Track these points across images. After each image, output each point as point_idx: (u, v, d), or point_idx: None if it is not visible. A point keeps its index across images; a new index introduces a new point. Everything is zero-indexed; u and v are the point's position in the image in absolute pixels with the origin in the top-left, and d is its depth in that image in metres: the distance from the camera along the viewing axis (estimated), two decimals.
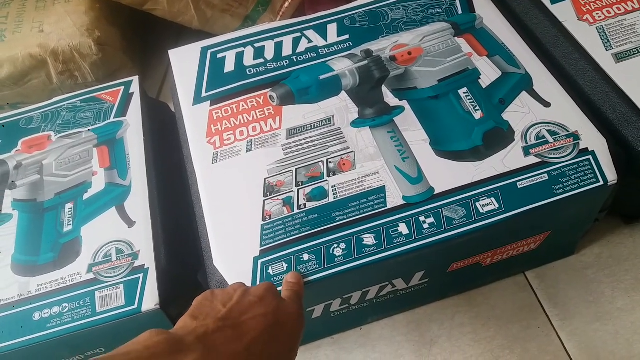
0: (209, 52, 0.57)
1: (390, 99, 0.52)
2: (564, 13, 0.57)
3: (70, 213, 0.50)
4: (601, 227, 0.55)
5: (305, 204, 0.46)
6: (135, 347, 0.27)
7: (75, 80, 0.66)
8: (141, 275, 0.45)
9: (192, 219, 0.48)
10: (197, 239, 0.47)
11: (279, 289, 0.40)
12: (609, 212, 0.53)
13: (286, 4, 0.67)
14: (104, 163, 0.53)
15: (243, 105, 0.53)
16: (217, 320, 0.31)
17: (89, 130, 0.55)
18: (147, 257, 0.46)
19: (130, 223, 0.48)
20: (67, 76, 0.65)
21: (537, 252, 0.52)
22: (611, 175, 0.45)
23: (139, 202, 0.49)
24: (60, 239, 0.48)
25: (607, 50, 0.53)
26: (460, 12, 0.58)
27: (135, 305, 0.44)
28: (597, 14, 0.56)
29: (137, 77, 0.59)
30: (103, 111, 0.57)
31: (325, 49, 0.57)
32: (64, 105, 0.58)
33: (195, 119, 0.52)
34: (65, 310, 0.44)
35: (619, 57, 0.53)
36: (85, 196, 0.51)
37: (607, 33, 0.55)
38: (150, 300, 0.44)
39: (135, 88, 0.58)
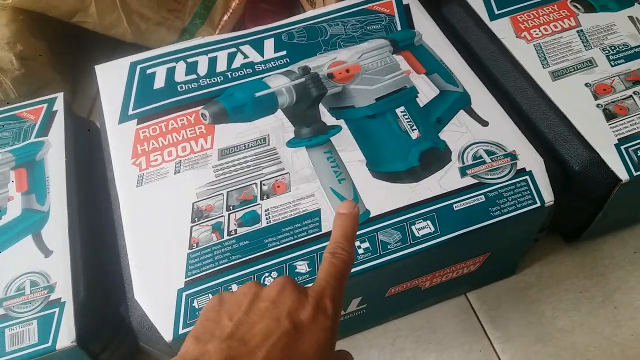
0: (138, 67, 0.55)
1: (328, 118, 0.51)
2: (502, 30, 0.58)
3: None
4: (542, 246, 0.56)
5: (236, 230, 0.44)
6: None
7: None
8: (57, 310, 0.42)
9: (115, 248, 0.46)
10: (119, 269, 0.45)
11: None
12: (550, 230, 0.54)
13: (225, 17, 0.66)
14: (21, 187, 0.50)
15: (172, 124, 0.51)
16: (222, 342, 0.27)
17: (6, 151, 0.52)
18: (64, 290, 0.43)
19: (47, 252, 0.45)
20: None
21: (478, 273, 0.52)
22: (548, 196, 0.46)
23: (57, 229, 0.46)
24: None
25: (544, 68, 0.54)
26: (399, 28, 0.58)
27: (50, 343, 0.41)
28: (535, 31, 0.57)
29: (62, 93, 0.56)
30: (23, 130, 0.54)
31: (262, 65, 0.56)
32: None
33: (120, 139, 0.50)
34: None
35: (556, 75, 0.54)
36: None
37: (544, 51, 0.56)
38: (66, 336, 0.41)
39: (59, 105, 0.55)
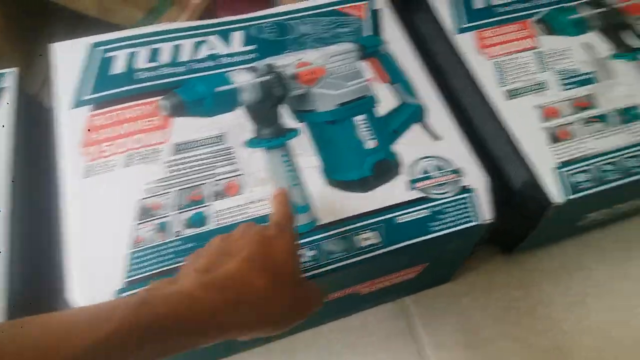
0: (98, 49, 0.50)
1: (289, 120, 0.48)
2: (466, 44, 0.55)
3: None
4: (478, 256, 0.55)
5: (182, 231, 0.41)
6: None
7: None
8: None
9: (54, 242, 0.41)
10: (57, 263, 0.41)
11: None
12: (487, 241, 0.53)
13: (196, 0, 0.60)
14: None
15: (128, 113, 0.46)
16: (208, 258, 0.32)
17: None
18: None
19: None
20: None
21: (415, 280, 0.50)
22: (487, 215, 0.44)
23: None
24: None
25: (500, 86, 0.52)
26: (368, 33, 0.54)
27: None
28: (496, 48, 0.55)
29: (16, 69, 0.50)
30: None
31: (228, 58, 0.51)
32: None
33: (71, 125, 0.45)
34: None
35: (510, 95, 0.52)
36: None
37: (502, 69, 0.53)
38: None
39: (10, 82, 0.49)
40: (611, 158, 0.48)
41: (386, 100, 0.50)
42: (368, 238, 0.42)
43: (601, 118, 0.51)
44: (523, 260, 0.56)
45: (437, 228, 0.43)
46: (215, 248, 0.33)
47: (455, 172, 0.46)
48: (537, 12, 0.57)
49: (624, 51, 0.56)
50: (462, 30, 0.56)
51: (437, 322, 0.52)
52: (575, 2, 0.59)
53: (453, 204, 0.44)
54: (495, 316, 0.52)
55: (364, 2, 0.55)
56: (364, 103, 0.49)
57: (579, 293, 0.55)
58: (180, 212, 0.42)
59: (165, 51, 0.51)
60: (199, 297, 0.28)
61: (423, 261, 0.47)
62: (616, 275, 0.57)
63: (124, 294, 0.38)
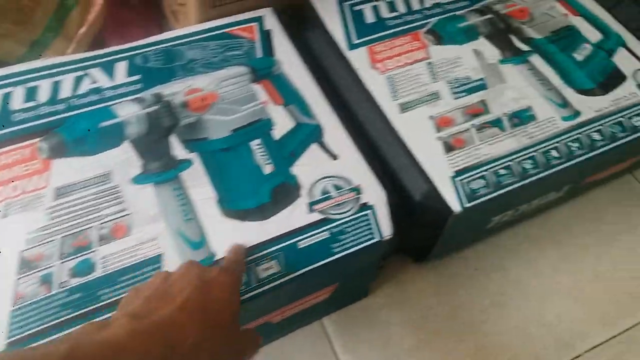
0: None
1: (180, 151, 0.47)
2: (358, 60, 0.56)
3: None
4: (393, 266, 0.56)
5: (68, 281, 0.39)
6: None
7: None
8: None
9: None
10: None
11: None
12: (400, 251, 0.54)
13: (82, 30, 0.58)
14: None
15: (3, 159, 0.43)
16: (142, 302, 0.31)
17: None
18: None
19: None
20: None
21: (330, 301, 0.51)
22: (387, 231, 0.45)
23: None
24: None
25: (393, 100, 0.53)
26: (260, 55, 0.54)
27: None
28: (388, 62, 0.56)
29: None
30: None
31: (111, 91, 0.49)
32: None
33: None
34: None
35: (404, 108, 0.53)
36: None
37: (395, 83, 0.55)
38: None
39: None
40: (506, 162, 0.50)
41: (282, 122, 0.50)
42: (269, 267, 0.42)
43: (494, 123, 0.53)
44: (438, 266, 0.58)
45: (339, 249, 0.43)
46: (154, 290, 0.32)
47: (354, 190, 0.46)
48: (427, 23, 0.60)
49: (512, 55, 0.59)
50: (354, 46, 0.57)
51: (356, 339, 0.52)
52: (464, 10, 0.62)
53: (353, 222, 0.45)
54: (415, 325, 0.53)
55: (254, 24, 0.55)
56: (260, 127, 0.49)
57: (495, 294, 0.57)
58: (64, 261, 0.39)
59: (44, 89, 0.48)
60: (129, 346, 0.27)
61: (331, 282, 0.47)
62: (529, 273, 0.59)
63: None
